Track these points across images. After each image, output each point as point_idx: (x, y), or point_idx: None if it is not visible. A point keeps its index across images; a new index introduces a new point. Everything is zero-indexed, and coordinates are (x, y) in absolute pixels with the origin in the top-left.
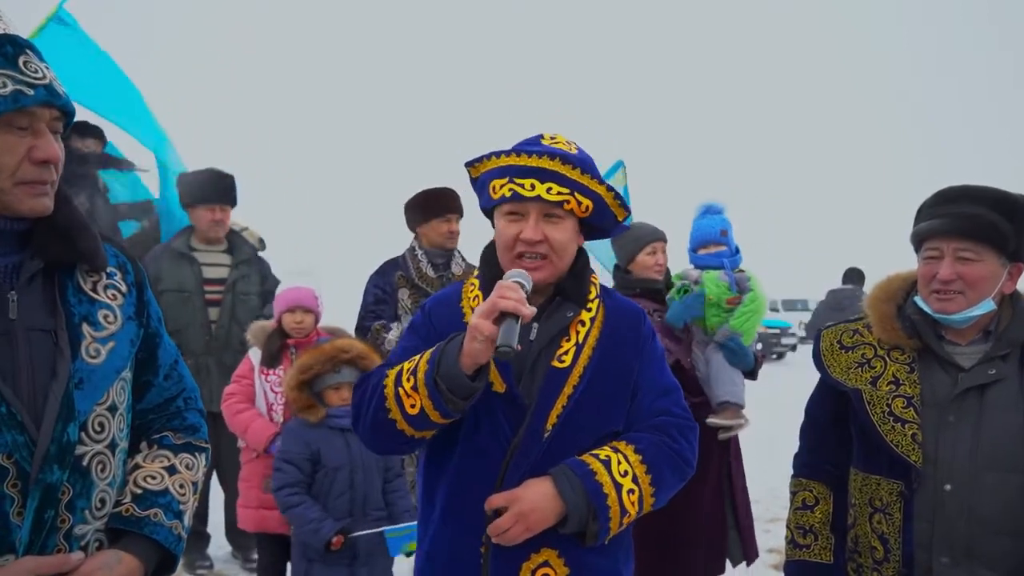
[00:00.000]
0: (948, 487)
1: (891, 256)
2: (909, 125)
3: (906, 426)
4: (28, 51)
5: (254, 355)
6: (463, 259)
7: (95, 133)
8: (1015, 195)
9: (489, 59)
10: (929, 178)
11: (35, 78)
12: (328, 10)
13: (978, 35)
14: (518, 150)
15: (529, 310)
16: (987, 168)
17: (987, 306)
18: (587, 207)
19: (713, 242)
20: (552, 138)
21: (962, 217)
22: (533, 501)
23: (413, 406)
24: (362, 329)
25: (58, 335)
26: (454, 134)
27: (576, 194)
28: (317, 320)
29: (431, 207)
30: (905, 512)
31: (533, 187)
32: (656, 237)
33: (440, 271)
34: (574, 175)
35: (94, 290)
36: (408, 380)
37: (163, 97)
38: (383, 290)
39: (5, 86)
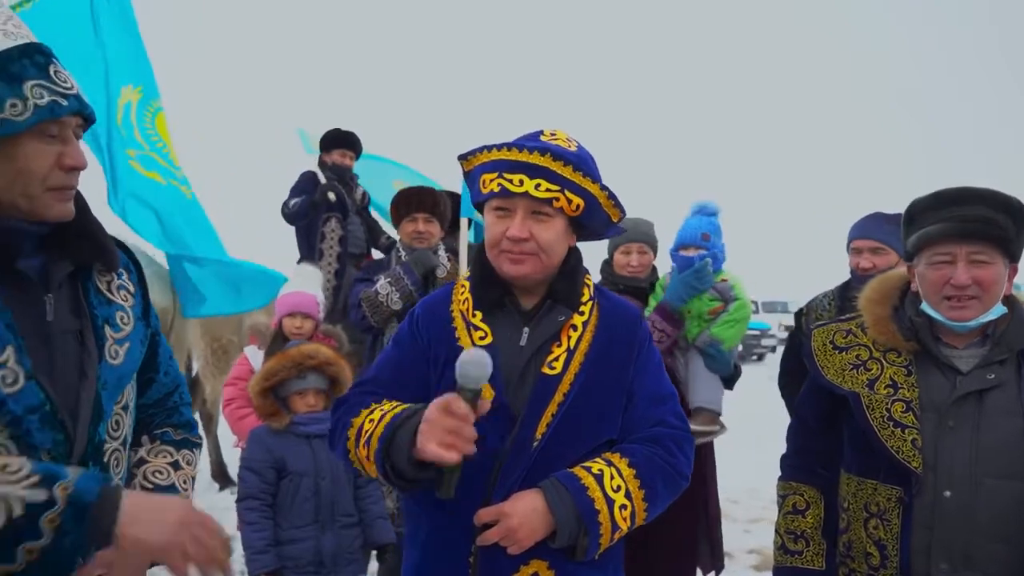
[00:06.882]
0: (948, 493)
1: None
2: (909, 125)
3: (906, 431)
4: (53, 59)
5: (252, 355)
6: (448, 260)
7: (353, 145)
8: (1012, 196)
9: (487, 55)
10: (929, 178)
11: (65, 88)
12: (317, 7)
13: (978, 35)
14: (510, 144)
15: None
16: (988, 168)
17: (999, 310)
18: (578, 206)
19: (693, 245)
20: (552, 134)
21: (974, 220)
22: (522, 516)
23: (369, 470)
24: (352, 309)
25: (84, 336)
26: (447, 131)
27: (566, 191)
28: (317, 326)
29: (400, 206)
30: (903, 518)
31: (522, 183)
32: (629, 238)
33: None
34: (565, 172)
35: (109, 291)
36: (363, 448)
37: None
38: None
39: (42, 97)
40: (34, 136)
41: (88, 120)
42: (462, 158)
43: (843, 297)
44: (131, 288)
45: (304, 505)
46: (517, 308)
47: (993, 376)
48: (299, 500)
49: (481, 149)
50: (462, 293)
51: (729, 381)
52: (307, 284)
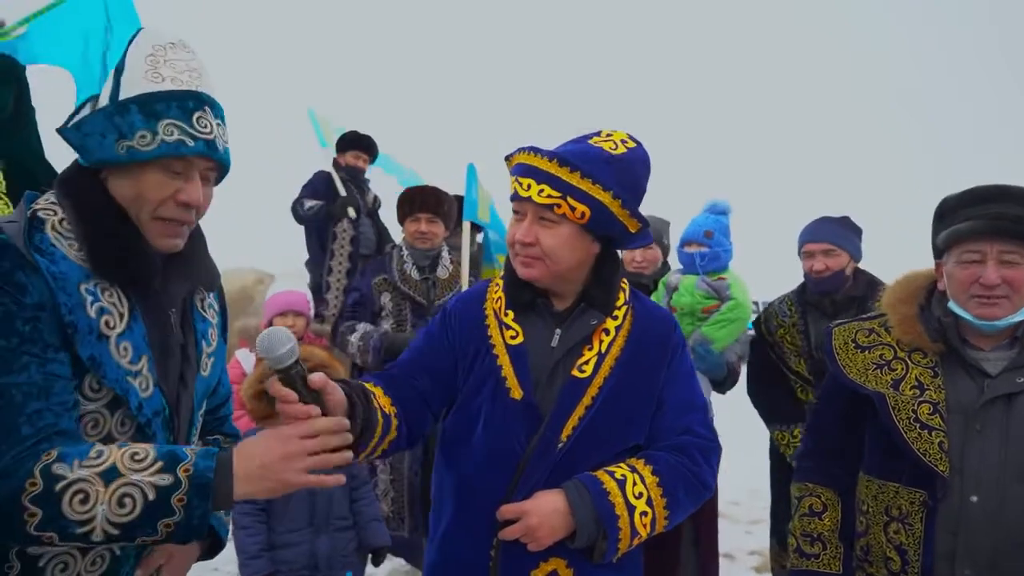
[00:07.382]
0: (974, 498)
1: (888, 256)
2: (909, 125)
3: (933, 433)
4: (206, 107)
5: (243, 357)
6: (451, 262)
7: (368, 148)
8: None
9: (492, 57)
10: (929, 178)
11: (199, 132)
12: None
13: (978, 35)
14: (532, 148)
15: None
16: (989, 169)
17: None
18: (583, 213)
19: (696, 241)
20: (608, 135)
21: (1006, 218)
22: (542, 515)
23: None
24: (335, 330)
25: (187, 350)
26: (446, 134)
27: (569, 198)
28: (308, 324)
29: (404, 205)
30: (927, 523)
31: (529, 187)
32: None
33: (425, 274)
34: (571, 179)
35: (202, 308)
36: None
37: None
38: (362, 292)
39: (171, 134)
40: (158, 168)
41: (223, 167)
42: (507, 158)
43: (801, 302)
44: (216, 308)
45: (298, 508)
46: (549, 309)
47: (1023, 380)
48: (293, 503)
49: (517, 151)
50: (496, 292)
51: (721, 385)
52: (295, 283)
